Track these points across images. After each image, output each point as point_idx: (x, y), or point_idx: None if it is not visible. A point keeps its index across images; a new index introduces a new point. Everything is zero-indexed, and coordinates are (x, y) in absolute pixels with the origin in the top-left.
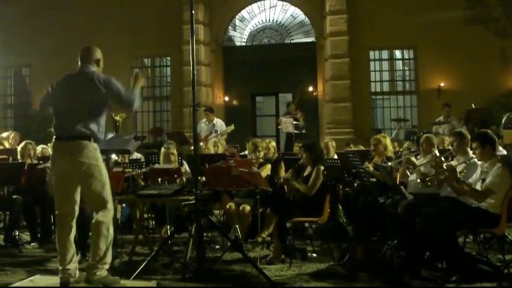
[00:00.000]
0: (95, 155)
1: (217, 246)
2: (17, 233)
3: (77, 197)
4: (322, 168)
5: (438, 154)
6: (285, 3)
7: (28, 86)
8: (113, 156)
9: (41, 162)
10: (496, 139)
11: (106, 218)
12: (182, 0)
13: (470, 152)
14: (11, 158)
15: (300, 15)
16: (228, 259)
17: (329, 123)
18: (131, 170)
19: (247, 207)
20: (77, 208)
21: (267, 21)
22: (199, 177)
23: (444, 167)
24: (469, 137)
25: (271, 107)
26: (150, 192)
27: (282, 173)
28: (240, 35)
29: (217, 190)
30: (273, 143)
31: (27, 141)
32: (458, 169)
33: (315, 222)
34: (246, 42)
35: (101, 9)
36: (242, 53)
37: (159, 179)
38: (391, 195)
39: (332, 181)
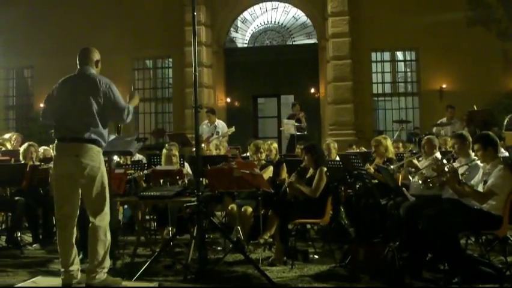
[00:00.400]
0: (99, 158)
1: (219, 248)
2: (19, 234)
3: (78, 199)
4: (325, 169)
5: (440, 157)
6: (286, 4)
7: (30, 87)
8: (115, 158)
9: (42, 163)
10: (498, 141)
11: (103, 222)
12: (184, 2)
13: (472, 154)
14: (13, 160)
15: (302, 16)
16: (229, 261)
17: (331, 125)
18: (133, 171)
19: (249, 209)
20: (77, 209)
21: (269, 22)
22: (200, 179)
23: (446, 169)
24: (471, 139)
25: (273, 108)
26: (152, 193)
27: (284, 175)
28: (242, 37)
29: (219, 192)
30: (275, 145)
31: (30, 143)
32: (460, 171)
33: (317, 224)
34: (248, 43)
35: (103, 10)
36: (244, 54)
37: (161, 181)
38: (393, 197)
39: (334, 183)
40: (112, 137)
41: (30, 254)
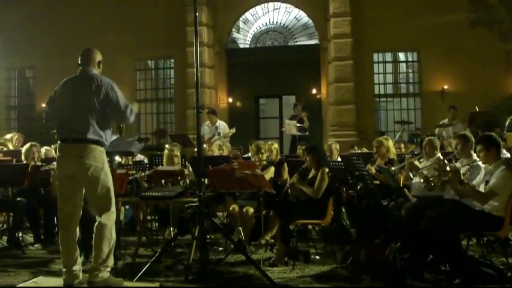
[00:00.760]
0: (102, 158)
1: (220, 248)
2: (20, 235)
3: (81, 199)
4: (326, 170)
5: (441, 157)
6: (288, 5)
7: (32, 87)
8: (117, 158)
9: (44, 164)
10: (501, 142)
11: (109, 221)
12: (186, 2)
13: (474, 155)
14: (14, 160)
15: (304, 17)
16: (231, 261)
17: (333, 126)
18: (134, 172)
19: (251, 210)
20: (80, 210)
21: (271, 23)
22: (202, 179)
23: (448, 169)
24: (473, 139)
25: (275, 109)
26: (153, 194)
27: (285, 175)
28: (244, 37)
29: (221, 192)
30: (276, 145)
31: (32, 143)
32: (462, 171)
33: (319, 225)
34: (250, 44)
35: (105, 11)
36: (245, 55)
37: (162, 181)
38: (394, 198)
39: (336, 183)
40: (114, 137)
41: (32, 254)
